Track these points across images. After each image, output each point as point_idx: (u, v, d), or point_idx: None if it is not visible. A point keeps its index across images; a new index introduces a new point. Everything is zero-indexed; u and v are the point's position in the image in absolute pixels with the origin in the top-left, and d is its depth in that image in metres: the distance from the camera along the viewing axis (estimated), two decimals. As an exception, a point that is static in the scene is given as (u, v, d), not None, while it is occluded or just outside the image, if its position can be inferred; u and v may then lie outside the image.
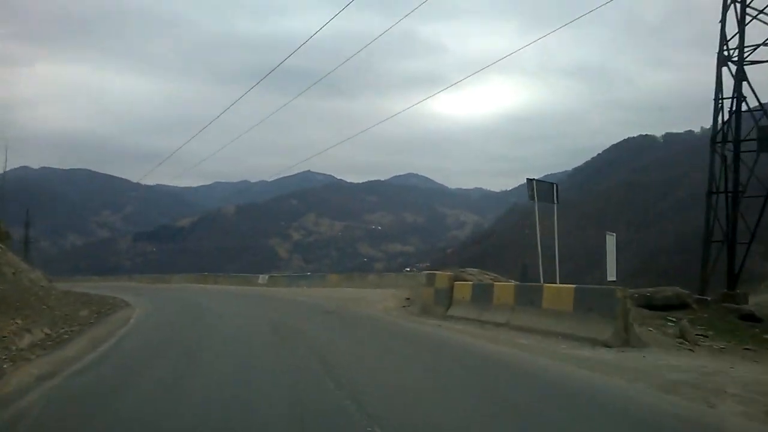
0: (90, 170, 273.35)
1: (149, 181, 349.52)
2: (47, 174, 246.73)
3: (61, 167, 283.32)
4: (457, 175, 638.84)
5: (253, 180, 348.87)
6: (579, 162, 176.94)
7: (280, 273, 66.84)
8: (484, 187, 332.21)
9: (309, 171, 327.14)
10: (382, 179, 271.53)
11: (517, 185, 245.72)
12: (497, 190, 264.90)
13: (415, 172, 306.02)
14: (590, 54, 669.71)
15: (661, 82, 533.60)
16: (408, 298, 16.63)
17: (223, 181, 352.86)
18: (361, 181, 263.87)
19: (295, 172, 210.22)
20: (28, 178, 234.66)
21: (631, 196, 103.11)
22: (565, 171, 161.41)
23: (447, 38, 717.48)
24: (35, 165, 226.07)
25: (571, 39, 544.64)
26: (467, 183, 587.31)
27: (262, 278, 35.06)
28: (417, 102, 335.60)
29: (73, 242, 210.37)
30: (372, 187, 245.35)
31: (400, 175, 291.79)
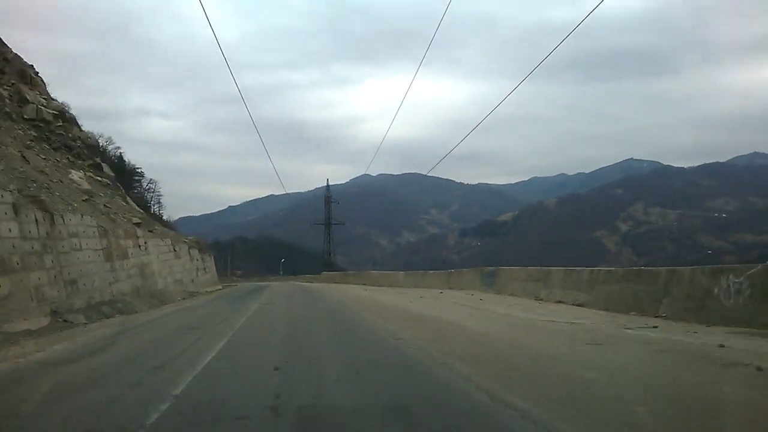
0: (419, 173, 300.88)
1: (471, 180, 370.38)
2: (383, 180, 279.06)
3: (393, 173, 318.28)
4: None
5: (570, 173, 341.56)
6: None
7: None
8: None
9: (631, 159, 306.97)
10: (721, 161, 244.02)
11: None
12: None
13: (761, 151, 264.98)
14: None
15: None
16: None
17: (540, 176, 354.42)
18: (694, 165, 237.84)
19: (617, 160, 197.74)
20: (369, 184, 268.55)
21: None
22: None
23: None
24: (374, 173, 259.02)
25: None
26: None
27: None
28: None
29: (407, 239, 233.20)
30: (708, 170, 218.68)
31: (742, 155, 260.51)
